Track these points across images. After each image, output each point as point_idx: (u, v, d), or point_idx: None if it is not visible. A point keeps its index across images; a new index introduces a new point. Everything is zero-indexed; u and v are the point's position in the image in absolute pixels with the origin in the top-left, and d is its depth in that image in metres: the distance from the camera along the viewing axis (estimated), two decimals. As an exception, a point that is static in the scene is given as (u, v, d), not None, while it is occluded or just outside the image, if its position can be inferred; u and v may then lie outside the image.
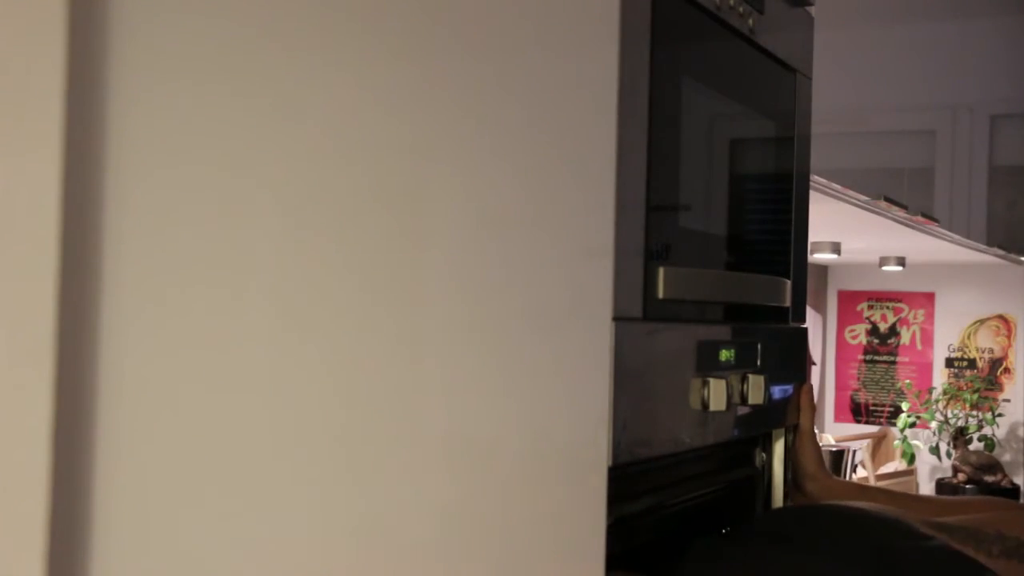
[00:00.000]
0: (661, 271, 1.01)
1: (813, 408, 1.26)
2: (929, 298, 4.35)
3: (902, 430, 3.96)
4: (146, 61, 0.55)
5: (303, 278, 0.64)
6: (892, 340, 4.44)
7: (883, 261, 3.94)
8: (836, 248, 3.29)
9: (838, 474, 3.14)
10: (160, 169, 0.56)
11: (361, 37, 0.69)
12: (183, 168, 0.57)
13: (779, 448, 1.33)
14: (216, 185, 0.59)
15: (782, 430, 1.35)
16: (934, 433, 4.06)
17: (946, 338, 4.34)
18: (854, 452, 3.24)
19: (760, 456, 1.29)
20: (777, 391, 1.29)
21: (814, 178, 1.50)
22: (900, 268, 3.96)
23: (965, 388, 4.19)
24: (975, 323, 4.29)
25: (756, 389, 1.18)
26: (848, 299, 4.51)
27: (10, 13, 0.50)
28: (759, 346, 1.22)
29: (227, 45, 0.60)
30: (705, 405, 1.10)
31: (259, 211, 0.62)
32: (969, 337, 4.31)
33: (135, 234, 0.55)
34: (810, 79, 1.39)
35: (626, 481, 0.98)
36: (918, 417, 4.03)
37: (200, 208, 0.58)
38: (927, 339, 4.37)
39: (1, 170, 0.50)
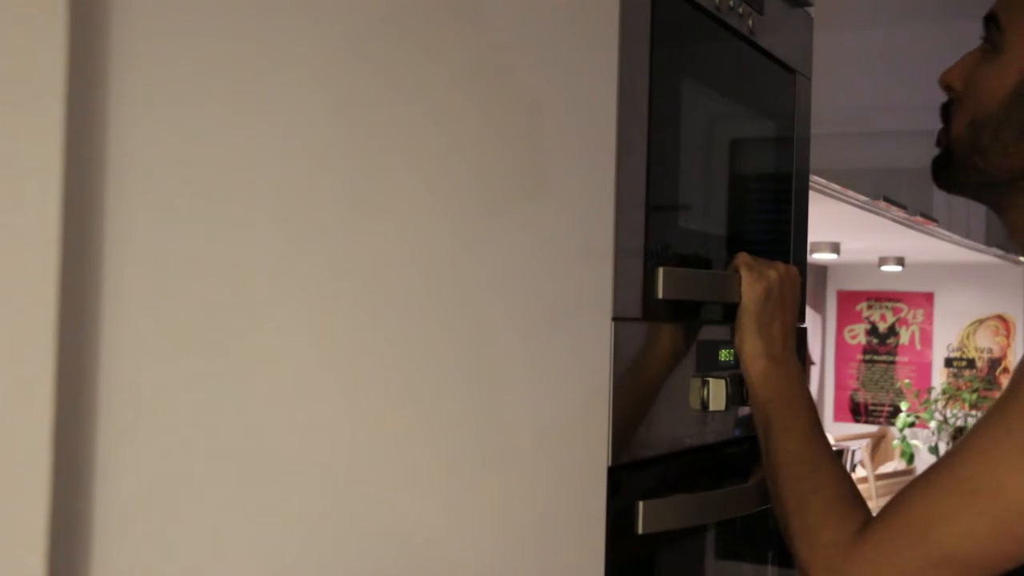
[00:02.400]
0: (661, 271, 1.01)
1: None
2: (928, 298, 4.35)
3: (901, 430, 3.96)
4: (145, 63, 0.55)
5: (302, 280, 0.65)
6: (891, 340, 4.44)
7: (882, 261, 3.94)
8: (835, 248, 3.29)
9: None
10: (159, 170, 0.56)
11: (358, 38, 0.69)
12: (182, 168, 0.57)
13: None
14: (215, 185, 0.59)
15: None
16: (933, 433, 4.06)
17: (945, 338, 4.34)
18: (853, 452, 3.24)
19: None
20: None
21: (814, 178, 1.50)
22: (899, 268, 3.96)
23: (964, 388, 4.19)
24: (974, 323, 4.29)
25: (756, 389, 1.18)
26: (847, 299, 4.51)
27: (11, 13, 0.50)
28: (759, 346, 1.22)
29: (225, 47, 0.60)
30: (705, 405, 1.10)
31: (258, 210, 0.62)
32: (968, 337, 4.31)
33: (135, 234, 0.55)
34: (810, 79, 1.39)
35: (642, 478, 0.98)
36: (917, 417, 4.03)
37: (199, 208, 0.58)
38: (926, 339, 4.37)
39: (2, 171, 0.50)
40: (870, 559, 0.91)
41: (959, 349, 4.30)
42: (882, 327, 4.44)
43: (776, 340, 1.09)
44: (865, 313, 4.46)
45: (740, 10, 1.18)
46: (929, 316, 4.35)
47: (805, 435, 1.04)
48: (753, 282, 1.09)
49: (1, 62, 0.49)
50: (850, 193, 1.89)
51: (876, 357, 4.44)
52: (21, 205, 0.50)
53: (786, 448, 1.04)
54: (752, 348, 1.08)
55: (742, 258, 1.11)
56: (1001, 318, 4.25)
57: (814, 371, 4.45)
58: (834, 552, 0.94)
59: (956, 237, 2.88)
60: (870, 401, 4.42)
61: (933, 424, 4.04)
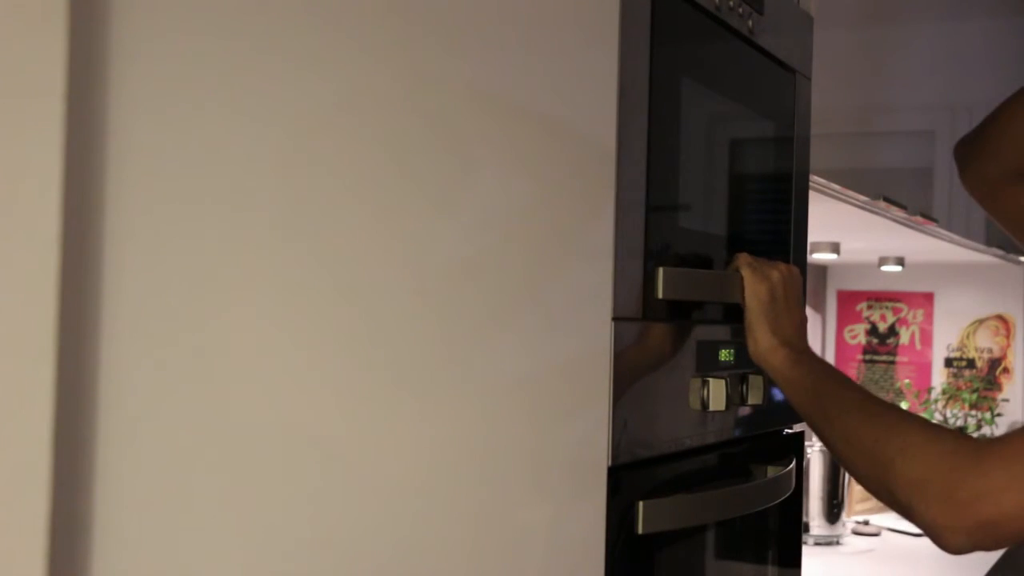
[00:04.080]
0: (661, 271, 1.01)
1: None
2: (928, 298, 4.35)
3: (901, 430, 3.95)
4: (145, 63, 0.55)
5: (299, 281, 0.65)
6: (891, 340, 4.44)
7: (882, 261, 3.93)
8: (835, 248, 3.29)
9: (837, 476, 3.14)
10: (159, 170, 0.56)
11: (358, 38, 0.69)
12: (182, 169, 0.57)
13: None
14: (214, 186, 0.59)
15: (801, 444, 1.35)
16: (933, 433, 4.05)
17: (945, 338, 4.34)
18: (853, 452, 3.23)
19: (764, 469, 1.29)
20: (777, 391, 1.29)
21: (814, 178, 1.50)
22: (899, 268, 3.96)
23: (964, 388, 4.18)
24: (974, 323, 4.29)
25: (755, 389, 1.18)
26: (847, 299, 4.51)
27: (11, 14, 0.50)
28: (759, 346, 1.22)
29: (225, 48, 0.60)
30: (705, 405, 1.10)
31: (257, 212, 0.62)
32: (968, 337, 4.31)
33: (135, 235, 0.55)
34: (810, 79, 1.39)
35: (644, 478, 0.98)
36: (917, 417, 4.02)
37: (199, 209, 0.58)
38: (926, 339, 4.37)
39: (2, 172, 0.50)
40: (1008, 458, 0.86)
41: (959, 349, 4.30)
42: (882, 327, 4.44)
43: (789, 332, 1.09)
44: (865, 313, 4.46)
45: (740, 10, 1.18)
46: (929, 316, 4.35)
47: (860, 387, 1.04)
48: (756, 283, 1.09)
49: (1, 61, 0.49)
50: (850, 193, 1.89)
51: (876, 357, 4.44)
52: (21, 204, 0.50)
53: (848, 398, 1.02)
54: (767, 342, 1.08)
55: (743, 259, 1.11)
56: (1001, 318, 4.25)
57: (814, 371, 4.44)
58: (958, 457, 0.88)
59: (956, 237, 2.88)
60: (870, 401, 4.42)
61: (933, 424, 4.04)
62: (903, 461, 0.92)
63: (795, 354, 1.07)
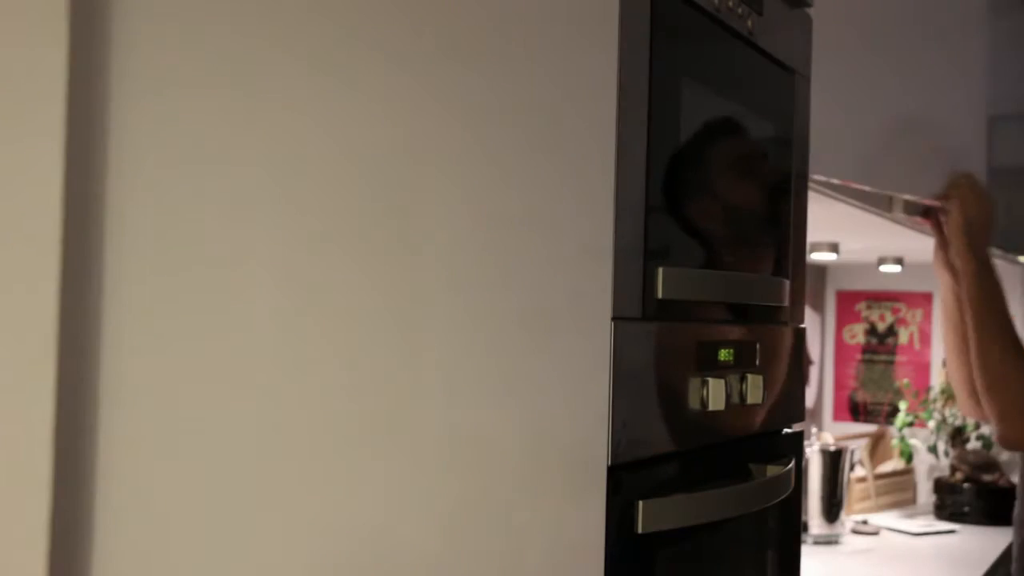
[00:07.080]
0: (660, 271, 1.01)
1: None
2: (927, 298, 4.35)
3: (900, 429, 3.96)
4: (147, 63, 0.55)
5: (301, 281, 0.65)
6: (890, 340, 4.44)
7: (881, 261, 3.93)
8: (834, 248, 3.29)
9: (836, 475, 3.14)
10: (161, 171, 0.56)
11: (358, 40, 0.69)
12: (183, 170, 0.57)
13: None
14: (216, 187, 0.59)
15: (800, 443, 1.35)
16: (932, 432, 4.06)
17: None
18: (852, 451, 3.24)
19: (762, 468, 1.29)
20: (776, 391, 1.30)
21: (813, 178, 1.50)
22: (898, 268, 3.96)
23: (963, 388, 4.18)
24: (973, 323, 4.28)
25: (755, 389, 1.19)
26: (846, 299, 4.51)
27: (12, 14, 0.50)
28: (758, 346, 1.22)
29: (226, 49, 0.60)
30: (704, 405, 1.10)
31: (259, 213, 0.62)
32: (967, 337, 4.30)
33: (136, 236, 0.55)
34: (809, 79, 1.39)
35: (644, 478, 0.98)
36: (916, 416, 4.03)
37: (200, 210, 0.58)
38: (925, 339, 4.37)
39: (3, 172, 0.50)
40: None
41: (958, 349, 4.29)
42: (881, 327, 4.44)
43: (983, 253, 1.78)
44: (864, 313, 4.46)
45: (739, 10, 1.18)
46: (928, 316, 4.35)
47: (1009, 321, 1.81)
48: (981, 202, 1.77)
49: (1, 60, 0.50)
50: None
51: (875, 357, 4.44)
52: (22, 204, 0.50)
53: (998, 324, 1.81)
54: (966, 254, 1.80)
55: (968, 178, 1.73)
56: (1000, 318, 4.24)
57: (813, 371, 4.45)
58: None
59: (955, 237, 2.87)
60: (869, 401, 4.42)
61: (932, 424, 4.04)
62: (1001, 389, 1.70)
63: (984, 271, 1.77)
